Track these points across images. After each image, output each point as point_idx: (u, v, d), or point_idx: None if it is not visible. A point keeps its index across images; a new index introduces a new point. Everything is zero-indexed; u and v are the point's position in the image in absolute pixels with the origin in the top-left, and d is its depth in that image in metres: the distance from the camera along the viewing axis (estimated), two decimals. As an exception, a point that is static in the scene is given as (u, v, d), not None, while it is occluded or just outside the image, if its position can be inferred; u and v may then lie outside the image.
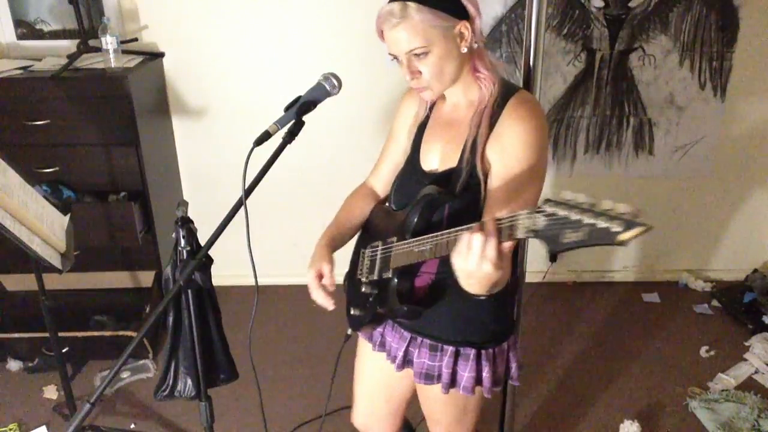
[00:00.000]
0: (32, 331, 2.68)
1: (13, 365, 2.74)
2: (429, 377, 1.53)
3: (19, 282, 3.03)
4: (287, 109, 1.39)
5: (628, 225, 0.88)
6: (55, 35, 2.87)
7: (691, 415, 2.48)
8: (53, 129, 2.64)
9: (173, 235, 1.47)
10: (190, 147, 3.13)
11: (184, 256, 1.46)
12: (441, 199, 1.37)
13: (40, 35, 2.86)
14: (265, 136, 1.32)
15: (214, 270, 1.51)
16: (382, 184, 1.67)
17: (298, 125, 1.38)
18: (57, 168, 2.71)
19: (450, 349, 1.49)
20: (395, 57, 1.34)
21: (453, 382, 1.52)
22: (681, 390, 2.60)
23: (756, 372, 2.69)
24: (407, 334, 1.55)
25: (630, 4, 2.83)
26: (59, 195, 2.69)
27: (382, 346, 1.63)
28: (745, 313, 3.03)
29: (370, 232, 1.62)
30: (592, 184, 3.17)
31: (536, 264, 3.33)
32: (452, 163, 1.40)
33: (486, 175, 1.35)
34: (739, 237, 3.32)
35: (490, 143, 1.34)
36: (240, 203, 1.33)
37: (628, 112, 3.03)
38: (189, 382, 1.71)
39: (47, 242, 1.86)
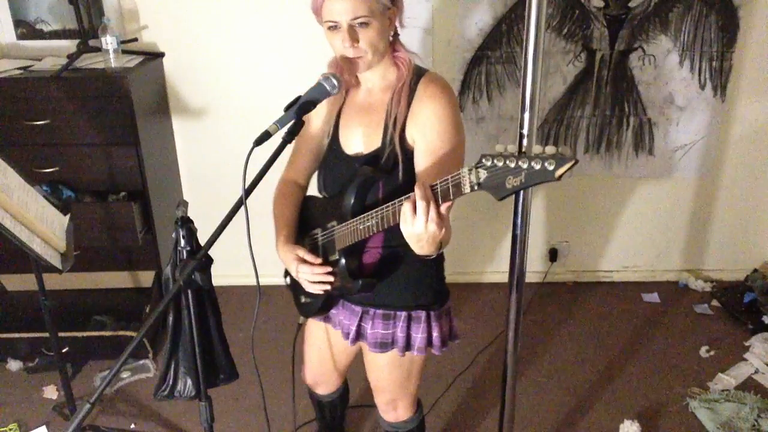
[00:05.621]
0: (32, 331, 2.68)
1: (13, 365, 2.74)
2: (384, 345, 1.63)
3: (19, 282, 3.03)
4: (287, 108, 1.40)
5: (560, 162, 1.04)
6: (55, 35, 2.86)
7: (691, 415, 2.48)
8: (53, 129, 2.64)
9: (173, 235, 1.47)
10: (190, 147, 3.13)
11: (184, 256, 1.46)
12: (374, 176, 1.46)
13: (40, 35, 2.86)
14: (265, 136, 1.32)
15: (214, 270, 1.51)
16: (303, 175, 1.72)
17: (298, 125, 1.38)
18: (57, 168, 2.71)
19: (403, 314, 1.59)
20: (335, 25, 1.41)
21: (408, 346, 1.62)
22: (681, 390, 2.60)
23: (756, 372, 2.69)
24: (358, 309, 1.64)
25: (630, 4, 2.83)
26: (59, 195, 2.69)
27: (337, 324, 1.74)
28: (745, 313, 3.03)
29: (305, 223, 1.69)
30: (592, 183, 3.17)
31: (536, 264, 3.33)
32: (376, 144, 1.50)
33: (409, 151, 1.47)
34: (739, 237, 3.32)
35: (409, 122, 1.46)
36: (240, 203, 1.33)
37: (628, 112, 3.02)
38: (189, 382, 1.71)
39: (47, 242, 1.86)
